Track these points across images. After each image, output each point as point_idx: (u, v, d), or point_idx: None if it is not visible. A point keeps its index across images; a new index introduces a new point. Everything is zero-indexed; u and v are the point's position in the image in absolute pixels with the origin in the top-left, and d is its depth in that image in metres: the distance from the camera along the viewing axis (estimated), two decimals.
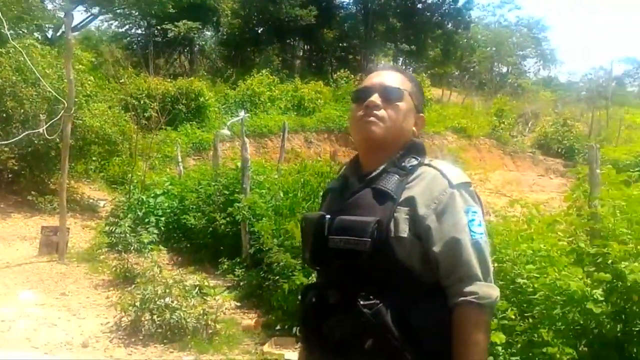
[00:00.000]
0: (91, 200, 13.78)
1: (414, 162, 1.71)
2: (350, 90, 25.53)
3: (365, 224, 1.59)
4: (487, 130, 26.84)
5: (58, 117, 8.83)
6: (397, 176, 1.67)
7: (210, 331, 5.94)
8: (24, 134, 9.63)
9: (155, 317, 5.87)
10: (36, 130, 9.62)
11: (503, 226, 4.96)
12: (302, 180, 7.37)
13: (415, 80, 1.88)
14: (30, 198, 11.55)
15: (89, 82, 12.69)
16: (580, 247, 3.83)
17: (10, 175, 12.45)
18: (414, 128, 1.82)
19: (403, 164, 1.71)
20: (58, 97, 9.25)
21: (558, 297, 3.69)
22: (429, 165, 1.71)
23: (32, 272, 8.22)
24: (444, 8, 36.27)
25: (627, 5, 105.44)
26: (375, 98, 1.74)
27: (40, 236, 9.32)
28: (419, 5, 36.15)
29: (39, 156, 11.71)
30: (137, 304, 5.89)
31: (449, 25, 36.61)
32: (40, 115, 9.65)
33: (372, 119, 1.72)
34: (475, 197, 1.71)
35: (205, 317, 5.96)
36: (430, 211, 1.61)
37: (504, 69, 46.92)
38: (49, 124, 8.97)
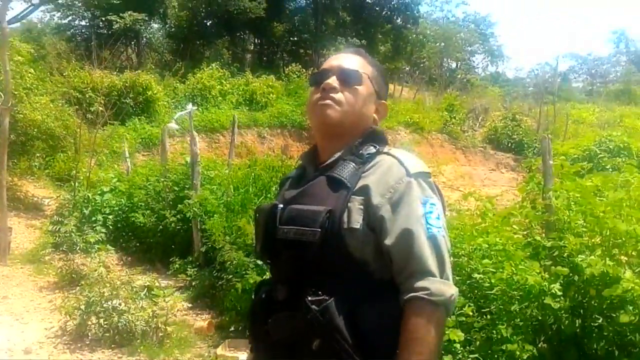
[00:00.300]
0: (35, 199, 13.25)
1: (372, 150, 1.64)
2: (302, 84, 25.41)
3: (316, 214, 1.51)
4: (439, 125, 27.14)
5: None
6: (353, 164, 1.60)
7: (160, 334, 5.75)
8: None
9: (101, 320, 5.65)
10: None
11: (457, 220, 4.94)
12: (252, 175, 7.18)
13: (378, 65, 1.81)
14: None
15: (29, 75, 12.15)
16: (536, 241, 3.82)
17: None
18: (375, 115, 1.75)
19: (360, 151, 1.63)
20: None
21: (515, 293, 3.67)
22: (387, 153, 1.63)
23: None
24: (392, 2, 36.39)
25: (571, 1, 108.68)
26: (333, 80, 1.68)
27: None
28: (368, 0, 36.25)
29: None
30: (83, 307, 5.65)
31: (398, 20, 36.83)
32: None
33: (328, 101, 1.66)
34: (434, 188, 1.62)
35: (155, 319, 5.76)
36: (384, 200, 1.52)
37: (453, 65, 47.60)
38: None
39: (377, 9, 36.49)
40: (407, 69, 42.39)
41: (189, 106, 9.54)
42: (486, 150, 27.10)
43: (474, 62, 51.68)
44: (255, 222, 1.80)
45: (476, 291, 4.06)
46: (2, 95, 7.98)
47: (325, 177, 1.60)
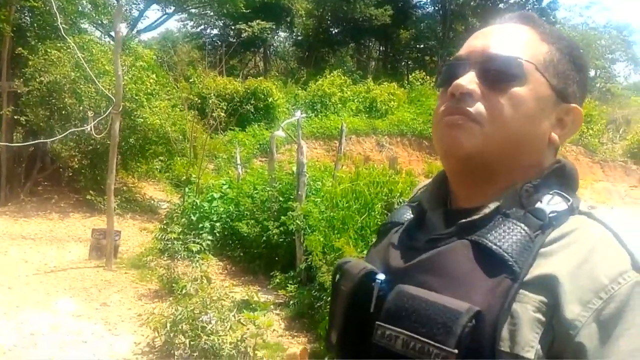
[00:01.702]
0: (152, 201, 13.50)
1: (560, 204, 0.93)
2: (425, 91, 24.52)
3: (451, 315, 0.83)
4: (575, 137, 25.13)
5: (105, 114, 8.41)
6: (523, 227, 0.89)
7: None
8: (68, 131, 9.31)
9: (188, 340, 5.26)
10: (82, 128, 9.28)
11: None
12: (354, 190, 6.54)
13: (563, 41, 1.03)
14: (90, 197, 11.31)
15: (151, 80, 12.37)
16: None
17: (70, 174, 12.31)
18: (553, 134, 0.99)
19: (537, 204, 0.92)
20: (108, 94, 8.84)
21: None
22: (587, 215, 0.93)
23: (77, 278, 7.85)
24: (527, 8, 34.53)
25: None
26: (468, 80, 0.96)
27: (91, 239, 8.97)
28: (501, 5, 34.54)
29: (98, 154, 11.47)
30: (169, 325, 5.29)
31: None
32: (89, 112, 9.29)
33: (457, 119, 0.95)
34: None
35: (244, 343, 5.28)
36: (587, 314, 0.82)
37: (592, 73, 44.38)
38: (96, 121, 8.58)
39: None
40: None
41: (297, 113, 9.13)
42: (627, 164, 24.75)
43: (614, 70, 47.89)
44: (333, 289, 1.09)
45: None
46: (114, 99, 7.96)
47: (469, 242, 0.91)
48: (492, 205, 0.94)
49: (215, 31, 32.49)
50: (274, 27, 29.00)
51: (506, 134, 0.94)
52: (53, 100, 11.29)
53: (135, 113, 11.70)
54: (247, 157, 17.21)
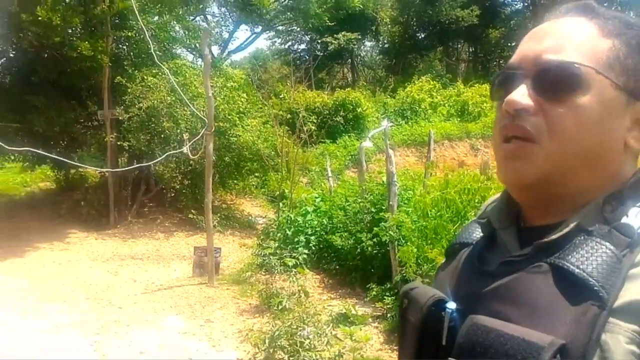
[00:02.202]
0: (250, 217, 13.86)
1: None
2: None
3: (531, 349, 0.76)
4: None
5: (199, 135, 8.75)
6: (609, 247, 0.81)
7: None
8: (165, 154, 9.76)
9: (287, 356, 5.35)
10: (179, 151, 9.70)
11: None
12: (445, 198, 6.39)
13: (632, 29, 0.92)
14: (192, 216, 11.78)
15: (242, 99, 12.76)
16: None
17: (173, 194, 12.87)
18: (630, 139, 0.89)
19: (624, 219, 0.84)
20: (201, 116, 9.21)
21: None
22: None
23: (182, 296, 8.16)
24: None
25: None
26: (521, 93, 0.88)
27: (193, 257, 9.33)
28: None
29: (197, 174, 11.93)
30: (267, 341, 5.40)
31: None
32: (184, 134, 9.71)
33: (515, 149, 0.89)
34: None
35: (341, 358, 5.30)
36: None
37: None
38: (191, 142, 8.94)
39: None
40: None
41: (384, 123, 9.09)
42: None
43: None
44: (401, 319, 1.02)
45: None
46: (207, 121, 8.27)
47: (548, 266, 0.84)
48: (572, 223, 0.85)
49: (302, 46, 33.16)
50: (359, 37, 29.16)
51: (572, 150, 0.86)
52: (152, 125, 11.86)
53: (228, 132, 12.09)
54: (340, 168, 17.32)
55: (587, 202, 0.87)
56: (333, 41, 27.48)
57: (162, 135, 11.66)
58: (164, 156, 9.84)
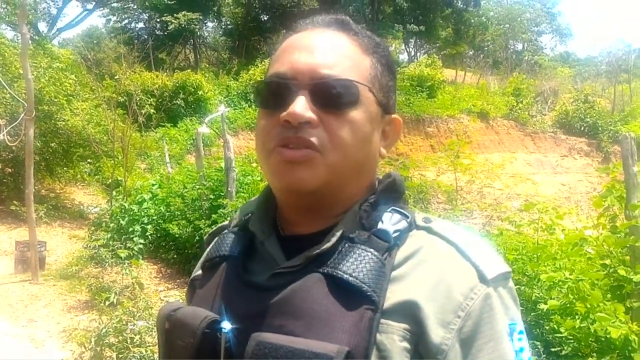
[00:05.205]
0: (82, 207, 13.03)
1: (400, 222, 0.90)
2: None
3: (321, 359, 0.76)
4: (505, 111, 25.76)
5: (17, 120, 8.01)
6: (374, 253, 0.85)
7: None
8: None
9: (116, 354, 5.06)
10: None
11: (517, 238, 4.06)
12: None
13: (379, 46, 0.97)
14: (14, 208, 10.81)
15: (70, 81, 11.87)
16: (619, 275, 2.89)
17: None
18: (382, 149, 0.97)
19: (380, 225, 0.88)
20: (19, 99, 8.43)
21: (593, 343, 2.79)
22: (427, 229, 0.91)
23: (1, 295, 7.47)
24: None
25: None
26: (303, 106, 0.87)
27: (15, 252, 8.56)
28: None
29: (20, 162, 10.95)
30: (94, 339, 5.08)
31: (459, 3, 35.41)
32: (0, 120, 8.84)
33: (299, 155, 0.87)
34: (516, 296, 0.91)
35: None
36: (452, 335, 0.81)
37: (519, 47, 45.56)
38: (9, 127, 8.16)
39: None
40: (470, 53, 40.88)
41: (221, 108, 8.92)
42: (557, 135, 25.54)
43: (541, 42, 49.26)
44: (165, 344, 0.94)
45: (544, 325, 3.23)
46: (26, 105, 7.58)
47: (322, 275, 0.84)
48: (338, 232, 0.87)
49: (140, 25, 31.64)
50: (201, 17, 28.41)
51: (348, 161, 0.89)
52: None
53: (55, 116, 11.22)
54: (181, 153, 16.86)
55: (347, 209, 0.91)
56: (173, 20, 26.51)
57: None
58: None
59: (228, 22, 32.29)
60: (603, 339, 2.70)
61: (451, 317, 0.81)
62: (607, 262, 2.96)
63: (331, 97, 0.87)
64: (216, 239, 1.06)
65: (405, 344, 0.79)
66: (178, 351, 0.89)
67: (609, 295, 2.84)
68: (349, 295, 0.81)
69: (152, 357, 4.97)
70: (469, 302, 0.82)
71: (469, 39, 37.41)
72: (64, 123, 11.33)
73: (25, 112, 7.60)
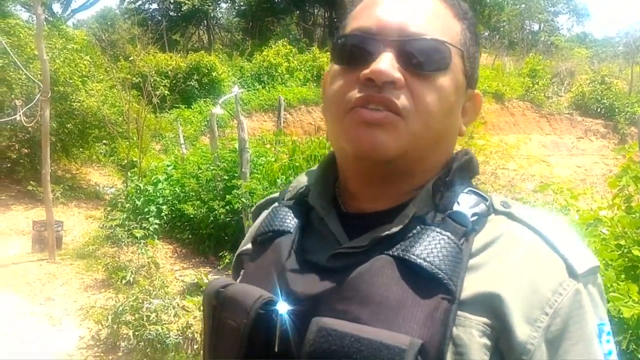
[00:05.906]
0: (98, 187, 13.15)
1: (479, 206, 0.82)
2: None
3: (392, 353, 0.68)
4: (520, 92, 25.44)
5: (34, 101, 8.06)
6: (450, 237, 0.77)
7: (196, 346, 5.19)
8: None
9: (132, 331, 5.15)
10: (10, 118, 8.89)
11: None
12: (292, 166, 6.39)
13: (467, 12, 0.89)
14: (31, 188, 10.93)
15: (85, 62, 11.91)
16: (633, 255, 2.88)
17: (9, 165, 11.85)
18: (462, 126, 0.90)
19: (456, 207, 0.81)
20: (35, 81, 8.47)
21: None
22: (507, 214, 0.82)
23: (19, 274, 7.59)
24: None
25: None
26: (389, 64, 0.78)
27: (32, 232, 8.68)
28: None
29: (36, 143, 11.06)
30: (110, 317, 5.16)
31: None
32: (16, 101, 8.89)
33: (381, 117, 0.78)
34: (604, 293, 0.82)
35: (190, 329, 5.20)
36: (538, 334, 0.73)
37: (536, 27, 44.94)
38: (25, 108, 8.22)
39: None
40: (486, 33, 40.37)
41: (235, 89, 8.90)
42: (573, 116, 25.21)
43: (558, 22, 48.57)
44: (213, 324, 0.86)
45: None
46: (42, 85, 7.63)
47: (392, 259, 0.77)
48: (410, 213, 0.80)
49: (154, 6, 31.59)
50: None
51: (430, 131, 0.81)
52: None
53: (71, 97, 11.29)
54: (195, 134, 16.90)
55: (419, 187, 0.83)
56: (187, 1, 26.51)
57: None
58: None
59: (242, 3, 32.13)
60: (616, 319, 2.70)
61: (537, 313, 0.74)
62: (622, 242, 2.95)
63: (421, 57, 0.79)
64: (267, 211, 0.98)
65: (485, 340, 0.73)
66: (228, 331, 0.82)
67: (622, 276, 2.83)
68: (423, 282, 0.74)
69: (167, 335, 5.04)
70: (558, 298, 0.74)
71: (485, 19, 36.90)
72: (79, 104, 11.40)
73: (41, 93, 7.66)
